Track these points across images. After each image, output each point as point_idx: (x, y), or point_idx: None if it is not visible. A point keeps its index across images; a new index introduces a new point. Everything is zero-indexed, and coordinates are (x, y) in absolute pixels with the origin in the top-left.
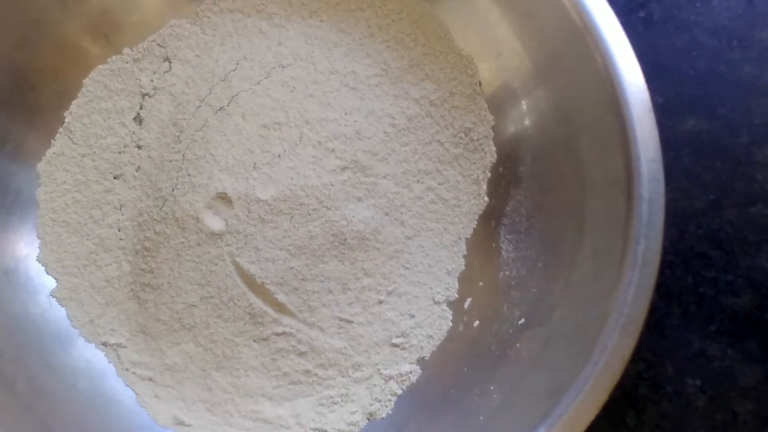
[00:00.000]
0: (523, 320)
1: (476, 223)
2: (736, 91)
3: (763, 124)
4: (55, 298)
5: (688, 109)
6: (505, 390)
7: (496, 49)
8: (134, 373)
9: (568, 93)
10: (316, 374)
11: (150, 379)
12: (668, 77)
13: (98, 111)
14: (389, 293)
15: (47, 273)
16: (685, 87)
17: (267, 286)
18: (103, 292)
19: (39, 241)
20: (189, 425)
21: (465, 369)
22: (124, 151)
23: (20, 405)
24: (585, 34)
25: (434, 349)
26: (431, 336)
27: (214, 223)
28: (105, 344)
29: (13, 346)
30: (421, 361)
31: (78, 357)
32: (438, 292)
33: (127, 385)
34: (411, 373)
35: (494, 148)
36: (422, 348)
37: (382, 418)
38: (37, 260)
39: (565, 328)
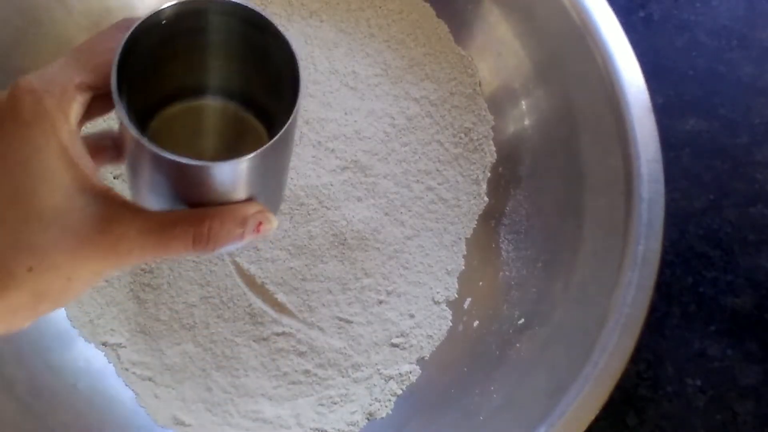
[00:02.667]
0: (523, 320)
1: (476, 223)
2: (736, 91)
3: (763, 124)
4: None
5: (688, 109)
6: (505, 390)
7: (496, 49)
8: (134, 373)
9: (568, 93)
10: (315, 374)
11: (150, 379)
12: (668, 77)
13: None
14: (389, 293)
15: None
16: (685, 87)
17: (267, 286)
18: (103, 292)
19: None
20: (189, 425)
21: (465, 369)
22: None
23: (20, 405)
24: (585, 34)
25: (434, 349)
26: (431, 336)
27: None
28: (105, 344)
29: (13, 346)
30: (421, 361)
31: (78, 357)
32: (438, 292)
33: (126, 385)
34: (411, 373)
35: (494, 148)
36: (422, 348)
37: (382, 418)
38: None
39: (565, 328)
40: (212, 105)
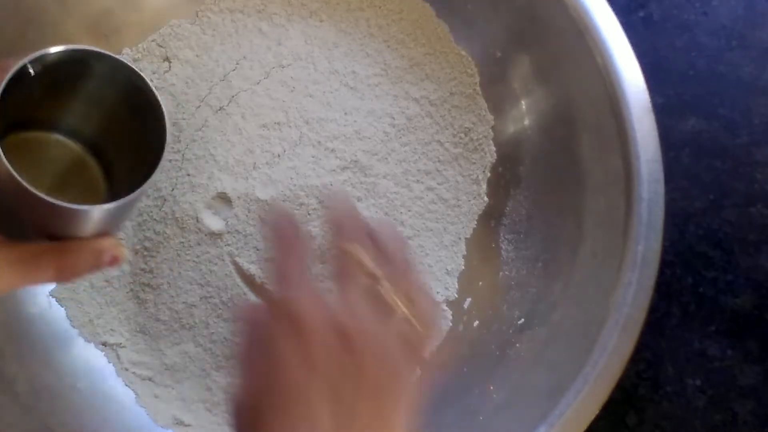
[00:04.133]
0: (523, 320)
1: (476, 223)
2: (736, 91)
3: (763, 124)
4: (54, 298)
5: (688, 109)
6: (505, 390)
7: (496, 49)
8: (134, 372)
9: (568, 93)
10: None
11: (150, 379)
12: (668, 77)
13: None
14: None
15: None
16: (685, 87)
17: (267, 286)
18: (103, 292)
19: None
20: (189, 425)
21: (465, 369)
22: None
23: (20, 405)
24: (585, 34)
25: (434, 349)
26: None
27: (214, 223)
28: (104, 344)
29: (13, 346)
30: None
31: (78, 357)
32: (438, 292)
33: (126, 385)
34: None
35: (494, 148)
36: None
37: None
38: None
39: (565, 328)
40: (53, 139)
